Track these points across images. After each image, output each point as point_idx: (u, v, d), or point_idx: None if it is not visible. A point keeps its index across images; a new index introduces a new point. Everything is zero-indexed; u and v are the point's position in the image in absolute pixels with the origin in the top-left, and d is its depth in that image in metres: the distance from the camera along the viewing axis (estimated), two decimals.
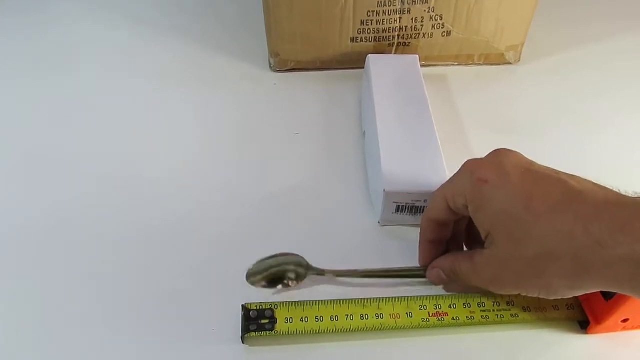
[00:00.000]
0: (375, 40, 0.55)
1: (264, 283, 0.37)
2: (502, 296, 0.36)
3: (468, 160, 0.34)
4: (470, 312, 0.36)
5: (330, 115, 0.53)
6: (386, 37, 0.55)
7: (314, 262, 0.38)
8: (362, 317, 0.35)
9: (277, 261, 0.37)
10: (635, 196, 0.28)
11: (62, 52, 0.60)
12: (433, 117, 0.45)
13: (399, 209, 0.40)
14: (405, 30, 0.54)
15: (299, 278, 0.37)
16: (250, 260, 0.37)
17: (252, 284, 0.37)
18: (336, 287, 0.38)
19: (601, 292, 0.35)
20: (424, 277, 0.38)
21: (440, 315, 0.36)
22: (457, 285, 0.37)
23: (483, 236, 0.32)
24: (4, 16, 0.65)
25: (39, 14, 0.65)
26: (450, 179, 0.35)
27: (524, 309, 0.36)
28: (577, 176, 0.31)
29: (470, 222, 0.37)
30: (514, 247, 0.30)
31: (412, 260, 0.40)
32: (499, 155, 0.33)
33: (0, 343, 0.36)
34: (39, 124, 0.52)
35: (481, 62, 0.58)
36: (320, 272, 0.38)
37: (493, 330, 0.36)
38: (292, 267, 0.37)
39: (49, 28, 0.63)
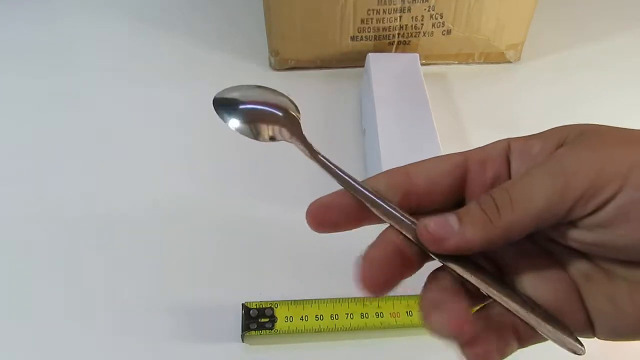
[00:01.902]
0: (375, 38, 0.55)
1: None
2: None
3: None
4: None
5: (330, 113, 0.53)
6: (386, 35, 0.55)
7: (314, 262, 0.38)
8: (362, 315, 0.35)
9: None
10: None
11: (61, 50, 0.60)
12: (433, 115, 0.45)
13: None
14: (406, 29, 0.54)
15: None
16: (250, 260, 0.37)
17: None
18: (336, 286, 0.38)
19: None
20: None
21: None
22: (472, 224, 0.21)
23: (550, 148, 0.22)
24: (3, 14, 0.65)
25: (39, 10, 0.64)
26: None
27: None
28: None
29: None
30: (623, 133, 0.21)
31: None
32: None
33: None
34: (39, 123, 0.51)
35: (481, 61, 0.58)
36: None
37: None
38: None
39: (48, 23, 0.63)
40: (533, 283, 0.23)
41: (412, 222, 0.23)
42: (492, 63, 0.58)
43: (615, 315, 0.22)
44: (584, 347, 0.23)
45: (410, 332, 0.36)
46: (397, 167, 0.25)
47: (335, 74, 0.57)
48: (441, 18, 0.53)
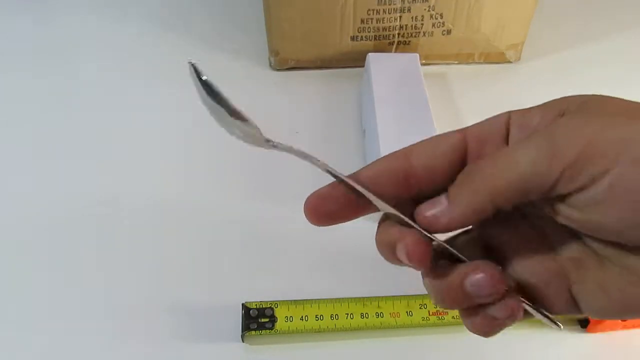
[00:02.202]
0: (375, 38, 0.55)
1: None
2: None
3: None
4: None
5: (330, 113, 0.53)
6: (386, 35, 0.55)
7: (314, 262, 0.38)
8: (362, 315, 0.35)
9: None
10: None
11: (61, 50, 0.60)
12: (433, 115, 0.45)
13: None
14: (406, 29, 0.54)
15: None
16: (251, 260, 0.37)
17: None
18: (336, 286, 0.38)
19: None
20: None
21: (440, 314, 0.36)
22: (460, 196, 0.22)
23: (550, 120, 0.22)
24: (3, 15, 0.65)
25: (39, 10, 0.64)
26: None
27: None
28: None
29: None
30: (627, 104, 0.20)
31: None
32: None
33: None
34: (39, 123, 0.51)
35: (481, 61, 0.58)
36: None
37: None
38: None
39: (48, 23, 0.63)
40: (523, 264, 0.23)
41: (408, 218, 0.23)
42: (492, 63, 0.58)
43: (603, 300, 0.21)
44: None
45: (410, 332, 0.36)
46: (397, 151, 0.24)
47: (335, 74, 0.57)
48: (441, 18, 0.53)
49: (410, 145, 0.24)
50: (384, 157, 0.24)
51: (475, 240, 0.25)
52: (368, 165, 0.25)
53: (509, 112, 0.23)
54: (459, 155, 0.23)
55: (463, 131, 0.23)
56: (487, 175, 0.21)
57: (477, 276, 0.21)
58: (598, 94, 0.21)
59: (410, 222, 0.23)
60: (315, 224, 0.24)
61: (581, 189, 0.19)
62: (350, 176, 0.24)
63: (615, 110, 0.20)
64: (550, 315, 0.23)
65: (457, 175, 0.22)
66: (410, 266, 0.22)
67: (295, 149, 0.26)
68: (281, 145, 0.25)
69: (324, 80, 0.56)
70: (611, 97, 0.21)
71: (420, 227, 0.23)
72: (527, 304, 0.23)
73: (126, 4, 0.65)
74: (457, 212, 0.21)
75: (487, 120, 0.24)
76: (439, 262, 0.24)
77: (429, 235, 0.23)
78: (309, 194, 0.25)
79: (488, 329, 0.23)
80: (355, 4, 0.51)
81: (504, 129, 0.23)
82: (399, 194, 0.24)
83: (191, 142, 0.50)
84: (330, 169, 0.24)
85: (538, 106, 0.22)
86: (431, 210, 0.22)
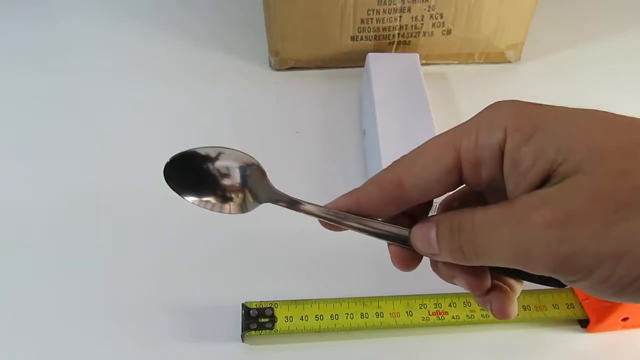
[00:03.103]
0: (375, 38, 0.55)
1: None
2: None
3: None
4: (471, 310, 0.36)
5: (330, 113, 0.53)
6: (386, 35, 0.55)
7: (314, 262, 0.38)
8: (362, 315, 0.35)
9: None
10: None
11: (61, 51, 0.60)
12: (433, 115, 0.45)
13: None
14: (406, 29, 0.54)
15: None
16: (251, 260, 0.37)
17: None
18: (336, 286, 0.38)
19: None
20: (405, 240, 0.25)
21: (440, 314, 0.36)
22: (445, 252, 0.23)
23: (540, 170, 0.20)
24: (4, 16, 0.65)
25: (38, 11, 0.64)
26: (457, 126, 0.23)
27: (524, 308, 0.36)
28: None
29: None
30: (616, 175, 0.19)
31: None
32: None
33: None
34: (39, 123, 0.51)
35: (481, 61, 0.58)
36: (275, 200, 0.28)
37: (493, 329, 0.36)
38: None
39: (47, 23, 0.63)
40: None
41: (402, 237, 0.25)
42: (492, 63, 0.58)
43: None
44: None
45: (410, 332, 0.36)
46: (388, 175, 0.24)
47: (335, 74, 0.57)
48: (441, 18, 0.53)
49: (401, 167, 0.24)
50: (374, 184, 0.25)
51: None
52: (359, 190, 0.25)
53: (505, 134, 0.21)
54: (454, 177, 0.23)
55: (457, 150, 0.22)
56: (468, 254, 0.22)
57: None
58: (599, 147, 0.20)
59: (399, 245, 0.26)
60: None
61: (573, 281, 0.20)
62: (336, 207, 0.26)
63: (607, 201, 0.18)
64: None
65: (446, 219, 0.23)
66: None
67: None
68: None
69: (324, 80, 0.56)
70: (608, 164, 0.19)
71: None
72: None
73: (125, 5, 0.65)
74: (447, 259, 0.23)
75: (479, 135, 0.22)
76: None
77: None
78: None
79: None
80: (355, 4, 0.51)
81: (499, 154, 0.21)
82: (387, 215, 0.25)
83: (191, 141, 0.50)
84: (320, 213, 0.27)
85: (533, 144, 0.20)
86: (424, 247, 0.24)
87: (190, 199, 0.29)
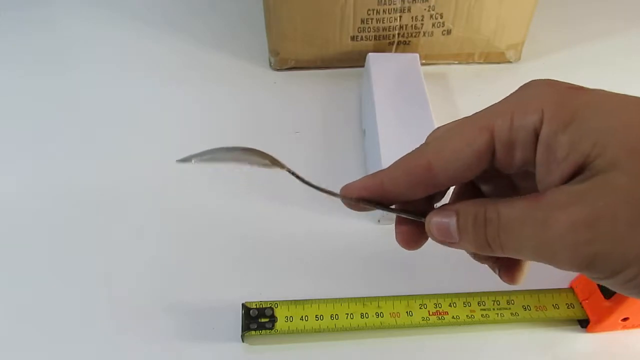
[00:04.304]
0: (375, 38, 0.55)
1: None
2: (502, 295, 0.36)
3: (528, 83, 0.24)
4: (471, 310, 0.36)
5: (330, 113, 0.53)
6: (386, 35, 0.55)
7: (314, 262, 0.38)
8: (362, 315, 0.35)
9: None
10: None
11: (61, 52, 0.60)
12: (433, 115, 0.45)
13: None
14: (406, 29, 0.54)
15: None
16: (251, 260, 0.37)
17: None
18: (336, 286, 0.38)
19: (601, 290, 0.35)
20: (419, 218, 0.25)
21: (440, 314, 0.36)
22: (468, 243, 0.23)
23: (574, 161, 0.19)
24: (3, 17, 0.65)
25: (39, 12, 0.64)
26: (488, 108, 0.23)
27: (524, 308, 0.36)
28: None
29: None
30: None
31: (411, 259, 0.40)
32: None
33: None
34: (39, 123, 0.51)
35: (481, 61, 0.58)
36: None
37: (493, 329, 0.36)
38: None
39: (48, 24, 0.63)
40: None
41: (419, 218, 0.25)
42: (492, 63, 0.58)
43: None
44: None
45: (410, 332, 0.36)
46: (416, 159, 0.23)
47: (335, 74, 0.57)
48: (441, 18, 0.53)
49: (430, 151, 0.23)
50: (402, 166, 0.23)
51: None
52: (387, 170, 0.24)
53: (541, 116, 0.20)
54: (486, 160, 0.22)
55: (490, 131, 0.21)
56: (493, 246, 0.21)
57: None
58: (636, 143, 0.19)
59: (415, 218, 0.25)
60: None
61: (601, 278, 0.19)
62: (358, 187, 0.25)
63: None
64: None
65: (470, 208, 0.22)
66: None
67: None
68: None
69: (324, 80, 0.56)
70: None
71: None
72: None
73: (125, 5, 0.65)
74: (467, 249, 0.23)
75: (515, 116, 0.21)
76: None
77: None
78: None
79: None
80: (355, 4, 0.51)
81: (534, 138, 0.21)
82: (410, 199, 0.24)
83: (191, 141, 0.50)
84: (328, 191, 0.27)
85: (570, 132, 0.20)
86: (442, 236, 0.23)
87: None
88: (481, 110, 0.23)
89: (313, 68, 0.57)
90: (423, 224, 0.24)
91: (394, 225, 0.26)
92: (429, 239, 0.25)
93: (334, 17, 0.52)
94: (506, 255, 0.21)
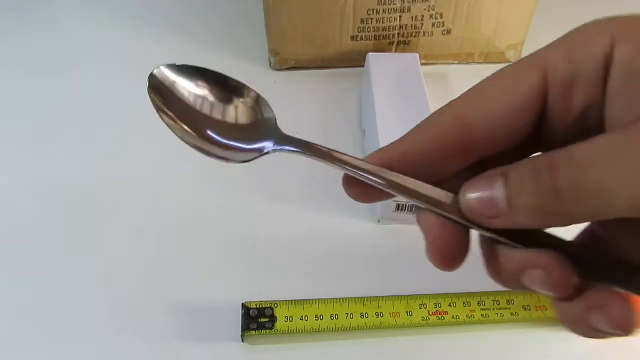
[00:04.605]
0: (375, 38, 0.55)
1: None
2: (502, 295, 0.36)
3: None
4: (471, 310, 0.36)
5: (330, 114, 0.53)
6: (386, 35, 0.55)
7: (314, 262, 0.38)
8: (362, 315, 0.35)
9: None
10: None
11: (60, 48, 0.60)
12: None
13: (399, 207, 0.40)
14: (406, 29, 0.54)
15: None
16: (251, 260, 0.37)
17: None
18: (336, 286, 0.38)
19: None
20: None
21: (440, 314, 0.36)
22: (523, 209, 0.16)
23: None
24: (4, 18, 0.65)
25: (38, 10, 0.64)
26: (538, 50, 0.18)
27: (524, 308, 0.36)
28: None
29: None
30: None
31: (411, 259, 0.40)
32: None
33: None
34: (39, 124, 0.51)
35: (481, 61, 0.58)
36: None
37: (493, 329, 0.36)
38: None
39: (48, 24, 0.63)
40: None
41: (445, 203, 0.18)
42: (492, 63, 0.58)
43: None
44: None
45: (410, 332, 0.36)
46: (446, 114, 0.18)
47: (335, 74, 0.57)
48: (441, 18, 0.53)
49: (464, 101, 0.18)
50: (432, 122, 0.19)
51: None
52: (413, 132, 0.19)
53: (611, 38, 0.16)
54: (536, 109, 0.17)
55: (543, 69, 0.17)
56: (565, 201, 0.15)
57: (534, 272, 0.17)
58: None
59: (449, 216, 0.18)
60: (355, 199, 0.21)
61: None
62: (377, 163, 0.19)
63: None
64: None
65: (524, 170, 0.16)
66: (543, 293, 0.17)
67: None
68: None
69: (324, 80, 0.56)
70: None
71: (463, 218, 0.18)
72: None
73: (125, 5, 0.65)
74: (520, 220, 0.16)
75: (575, 44, 0.17)
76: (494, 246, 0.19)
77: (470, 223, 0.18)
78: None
79: (577, 329, 0.18)
80: (355, 4, 0.51)
81: (602, 68, 0.16)
82: (440, 172, 0.18)
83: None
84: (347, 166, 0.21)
85: None
86: (484, 208, 0.17)
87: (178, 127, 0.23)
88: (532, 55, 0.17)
89: (313, 68, 0.57)
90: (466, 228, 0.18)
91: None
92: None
93: (334, 17, 0.52)
94: (579, 218, 0.16)
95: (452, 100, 0.18)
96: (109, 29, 0.62)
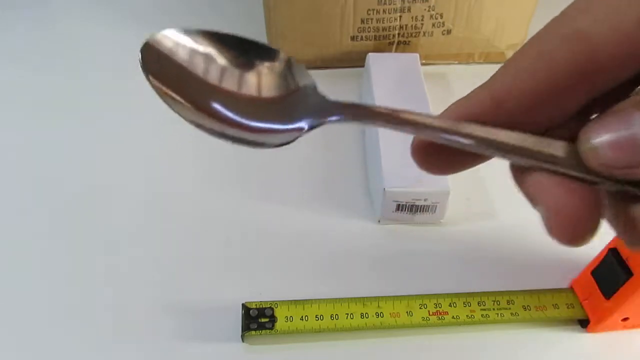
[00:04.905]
0: (375, 38, 0.55)
1: None
2: (502, 295, 0.36)
3: None
4: (471, 310, 0.36)
5: None
6: (386, 35, 0.55)
7: (314, 262, 0.38)
8: (362, 315, 0.35)
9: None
10: None
11: (60, 48, 0.60)
12: None
13: (399, 207, 0.40)
14: (406, 29, 0.54)
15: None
16: (250, 260, 0.37)
17: None
18: (336, 286, 0.38)
19: (601, 291, 0.35)
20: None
21: (440, 314, 0.36)
22: None
23: None
24: (4, 18, 0.65)
25: (38, 10, 0.64)
26: None
27: (524, 308, 0.36)
28: None
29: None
30: None
31: (411, 259, 0.40)
32: None
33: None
34: (39, 124, 0.51)
35: (481, 61, 0.58)
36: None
37: (493, 329, 0.36)
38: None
39: (48, 24, 0.63)
40: None
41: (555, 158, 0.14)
42: (492, 63, 0.58)
43: None
44: None
45: (410, 332, 0.36)
46: (564, 30, 0.13)
47: (335, 74, 0.57)
48: (441, 18, 0.53)
49: (574, 11, 0.13)
50: (524, 51, 0.14)
51: None
52: (492, 78, 0.15)
53: None
54: None
55: None
56: None
57: None
58: None
59: (575, 173, 0.14)
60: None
61: None
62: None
63: None
64: None
65: None
66: None
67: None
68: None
69: (324, 80, 0.55)
70: None
71: (590, 172, 0.14)
72: None
73: (125, 5, 0.65)
74: None
75: None
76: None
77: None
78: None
79: None
80: (355, 4, 0.51)
81: None
82: (539, 122, 0.14)
83: (192, 141, 0.50)
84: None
85: None
86: (624, 155, 0.13)
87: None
88: None
89: (313, 68, 0.57)
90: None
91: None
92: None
93: (334, 17, 0.52)
94: None
95: (555, 17, 0.13)
96: (109, 29, 0.62)
